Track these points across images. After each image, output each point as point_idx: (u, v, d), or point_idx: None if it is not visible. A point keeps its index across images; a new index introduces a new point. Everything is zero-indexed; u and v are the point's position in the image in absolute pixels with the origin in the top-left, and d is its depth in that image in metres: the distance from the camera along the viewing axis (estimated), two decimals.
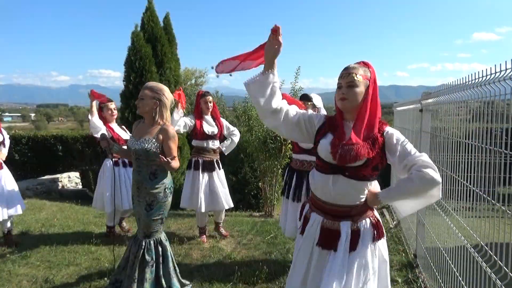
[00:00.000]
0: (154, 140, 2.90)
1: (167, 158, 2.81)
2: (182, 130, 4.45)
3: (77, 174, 9.43)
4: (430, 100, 3.22)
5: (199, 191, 4.43)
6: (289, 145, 6.32)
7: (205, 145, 4.53)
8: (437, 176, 1.77)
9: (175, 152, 2.95)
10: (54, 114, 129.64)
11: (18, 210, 4.25)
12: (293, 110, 2.04)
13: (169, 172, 3.09)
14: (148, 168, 2.95)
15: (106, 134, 3.28)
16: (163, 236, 3.08)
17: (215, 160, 4.58)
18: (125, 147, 4.60)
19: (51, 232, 4.96)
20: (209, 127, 4.55)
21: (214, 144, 4.59)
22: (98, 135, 4.44)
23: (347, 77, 1.94)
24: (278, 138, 6.21)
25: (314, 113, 2.13)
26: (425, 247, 3.58)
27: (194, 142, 4.57)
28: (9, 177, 4.24)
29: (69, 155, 9.48)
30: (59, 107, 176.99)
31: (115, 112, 4.72)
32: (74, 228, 5.17)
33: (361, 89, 1.91)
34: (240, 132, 5.16)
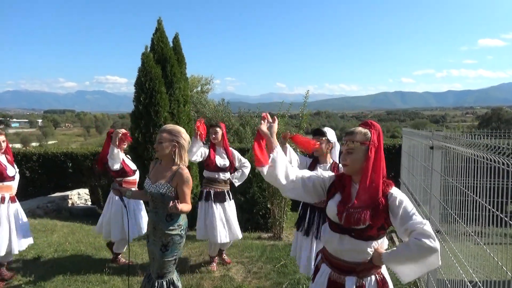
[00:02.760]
0: (169, 185, 2.97)
1: (176, 203, 2.85)
2: (199, 159, 4.54)
3: (86, 190, 9.53)
4: (440, 142, 3.25)
5: (214, 222, 4.48)
6: None
7: (216, 176, 4.60)
8: (435, 245, 1.81)
9: (188, 196, 3.01)
10: (61, 120, 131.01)
11: (23, 245, 4.29)
12: (307, 173, 2.15)
13: (184, 214, 3.15)
14: (164, 210, 3.01)
15: (136, 175, 3.36)
16: (175, 277, 3.13)
17: (226, 190, 4.64)
18: (135, 177, 4.69)
19: (63, 257, 5.03)
20: (221, 159, 4.61)
21: (225, 175, 4.65)
22: (116, 168, 4.52)
23: (346, 144, 2.05)
24: None
25: (326, 173, 2.21)
26: (436, 279, 3.59)
27: (206, 173, 4.63)
28: (21, 211, 4.30)
29: (79, 171, 9.58)
30: (66, 113, 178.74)
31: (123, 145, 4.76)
32: (86, 253, 5.23)
33: (359, 155, 2.01)
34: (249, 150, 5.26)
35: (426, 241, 1.80)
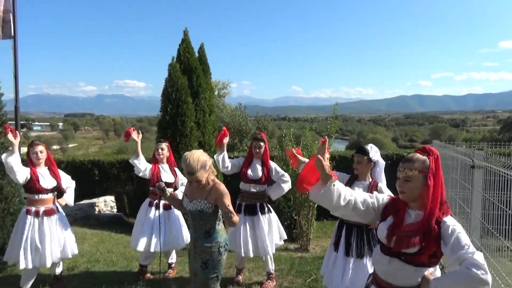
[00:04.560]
0: (205, 201, 3.00)
1: (229, 210, 2.88)
2: (235, 170, 4.58)
3: (112, 198, 9.67)
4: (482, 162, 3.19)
5: (239, 234, 4.46)
6: None
7: (248, 189, 4.59)
8: (486, 278, 1.77)
9: (231, 207, 3.01)
10: (81, 124, 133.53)
11: (68, 253, 4.35)
12: (361, 197, 2.15)
13: (223, 230, 3.17)
14: (202, 227, 3.06)
15: (163, 184, 3.41)
16: None
17: (259, 204, 4.56)
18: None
19: (96, 270, 5.11)
20: (253, 171, 4.57)
21: (257, 188, 4.57)
22: (143, 175, 4.64)
23: (403, 172, 2.04)
24: None
25: (380, 196, 2.21)
26: None
27: (240, 185, 4.65)
28: (65, 220, 4.38)
29: (105, 179, 9.76)
30: (85, 116, 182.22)
31: (161, 152, 4.83)
32: (118, 264, 5.31)
33: (417, 184, 2.00)
34: (273, 158, 5.25)
35: (478, 272, 1.77)
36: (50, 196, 4.23)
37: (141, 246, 4.58)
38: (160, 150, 4.81)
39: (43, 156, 4.20)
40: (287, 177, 4.65)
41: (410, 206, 2.08)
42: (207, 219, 3.03)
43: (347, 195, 2.10)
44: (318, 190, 2.08)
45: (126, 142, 4.98)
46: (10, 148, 3.89)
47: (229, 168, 4.60)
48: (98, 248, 6.10)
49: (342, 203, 2.08)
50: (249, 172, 4.55)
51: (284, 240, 7.43)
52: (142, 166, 4.72)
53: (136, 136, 4.76)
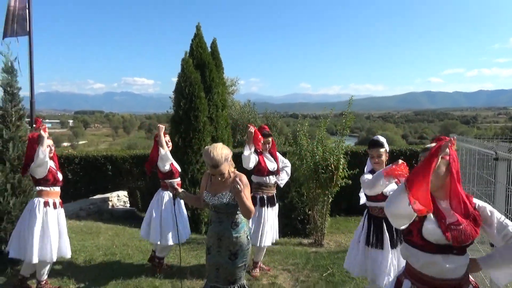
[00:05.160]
0: (230, 193, 3.00)
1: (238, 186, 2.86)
2: (251, 166, 4.59)
3: (125, 193, 9.75)
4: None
5: (267, 226, 4.55)
6: (341, 174, 6.30)
7: (267, 181, 4.66)
8: None
9: (249, 199, 3.01)
10: (90, 121, 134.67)
11: (68, 253, 4.24)
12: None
13: (246, 220, 3.17)
14: (229, 218, 3.05)
15: (175, 182, 3.42)
16: (245, 282, 3.16)
17: (274, 194, 4.74)
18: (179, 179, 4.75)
19: (113, 261, 5.15)
20: (270, 163, 4.70)
21: (274, 178, 4.74)
22: (166, 169, 4.63)
23: None
24: (330, 168, 6.19)
25: None
26: None
27: (256, 178, 4.67)
28: (64, 218, 4.36)
29: (118, 174, 9.83)
30: (95, 114, 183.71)
31: (169, 144, 4.83)
32: (134, 258, 5.34)
33: (441, 170, 1.99)
34: (285, 153, 5.40)
35: None
36: (60, 188, 4.27)
37: (167, 240, 4.62)
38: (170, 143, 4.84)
39: (54, 149, 4.25)
40: (288, 162, 5.01)
41: (437, 196, 2.04)
42: (232, 211, 3.03)
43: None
44: (395, 198, 1.97)
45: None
46: (41, 143, 3.90)
47: (252, 166, 4.61)
48: (114, 241, 6.14)
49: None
50: (269, 165, 4.67)
51: (297, 235, 7.48)
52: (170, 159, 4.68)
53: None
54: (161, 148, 4.56)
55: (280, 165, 4.86)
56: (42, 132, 3.92)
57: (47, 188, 4.11)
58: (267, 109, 31.68)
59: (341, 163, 6.22)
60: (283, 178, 4.95)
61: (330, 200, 6.55)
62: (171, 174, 4.72)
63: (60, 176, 4.22)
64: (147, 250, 5.68)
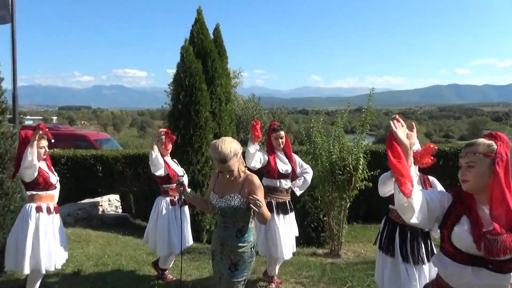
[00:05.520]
0: (239, 195, 2.97)
1: (258, 202, 2.81)
2: (258, 166, 4.57)
3: (117, 197, 9.75)
4: None
5: (278, 236, 4.46)
6: (360, 176, 6.27)
7: (278, 184, 4.59)
8: None
9: (263, 202, 2.98)
10: (76, 117, 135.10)
11: (62, 260, 4.34)
12: (427, 193, 2.06)
13: (254, 229, 3.16)
14: (234, 225, 3.04)
15: (184, 178, 3.39)
16: None
17: (288, 201, 4.63)
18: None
19: (105, 273, 5.15)
20: (283, 165, 4.61)
21: (287, 183, 4.64)
22: (159, 173, 4.65)
23: (465, 157, 1.99)
24: (348, 169, 6.16)
25: (439, 191, 2.14)
26: None
27: (266, 181, 4.62)
28: (60, 224, 4.38)
29: (109, 176, 9.83)
30: (81, 109, 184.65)
31: (169, 145, 4.85)
32: (127, 268, 5.34)
33: (482, 169, 1.94)
34: (297, 152, 5.41)
35: None
36: (56, 192, 4.30)
37: (161, 251, 4.68)
38: (169, 146, 4.83)
39: (47, 150, 4.26)
40: (309, 168, 4.86)
41: (478, 200, 2.00)
42: (240, 217, 3.01)
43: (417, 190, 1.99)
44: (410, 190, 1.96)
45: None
46: (31, 143, 3.91)
47: (258, 164, 4.59)
48: (105, 250, 6.15)
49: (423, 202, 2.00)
50: (280, 166, 4.58)
51: (311, 243, 7.45)
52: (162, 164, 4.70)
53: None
54: (151, 151, 4.58)
55: (298, 170, 4.76)
56: (38, 131, 3.94)
57: (39, 192, 4.14)
58: (274, 104, 31.64)
59: (361, 163, 6.19)
60: (300, 186, 4.81)
61: (348, 205, 6.51)
62: (168, 178, 4.73)
63: (54, 179, 4.25)
64: (142, 260, 5.69)
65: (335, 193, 6.42)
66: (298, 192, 4.86)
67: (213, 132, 7.74)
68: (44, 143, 4.20)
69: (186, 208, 4.95)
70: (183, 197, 3.26)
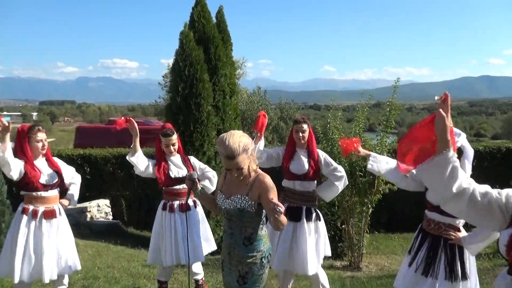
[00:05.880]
0: (247, 197, 2.95)
1: (276, 203, 2.74)
2: (274, 164, 4.59)
3: (107, 201, 9.79)
4: None
5: (277, 243, 4.40)
6: (384, 178, 6.24)
7: (291, 186, 4.53)
8: None
9: (283, 208, 2.93)
10: (59, 113, 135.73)
11: (67, 268, 4.33)
12: (481, 188, 2.00)
13: (267, 237, 3.13)
14: (241, 231, 3.02)
15: (196, 173, 3.36)
16: None
17: (305, 207, 4.49)
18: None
19: (95, 286, 5.16)
20: (296, 163, 4.50)
21: (304, 186, 4.51)
22: (146, 175, 4.64)
23: None
24: None
25: (505, 192, 2.06)
26: None
27: (284, 182, 4.59)
28: (67, 226, 4.39)
29: (99, 178, 9.88)
30: (65, 104, 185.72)
31: (173, 149, 4.68)
32: (122, 282, 5.35)
33: None
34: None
35: None
36: (53, 193, 4.25)
37: (153, 260, 4.67)
38: (171, 147, 4.64)
39: (47, 145, 4.25)
40: (341, 171, 4.52)
41: None
42: (248, 221, 2.99)
43: (464, 181, 1.96)
44: (430, 159, 1.99)
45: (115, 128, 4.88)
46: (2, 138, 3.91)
47: (264, 159, 4.56)
48: (95, 262, 6.17)
49: (454, 190, 1.94)
50: (292, 165, 4.49)
51: (328, 256, 7.42)
52: (142, 165, 4.67)
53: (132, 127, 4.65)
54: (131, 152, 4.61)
55: (324, 170, 4.54)
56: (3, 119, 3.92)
57: (29, 193, 4.15)
58: (282, 99, 31.58)
59: None
60: (323, 189, 4.58)
61: (370, 211, 6.50)
62: (165, 177, 4.71)
63: (45, 179, 4.17)
64: (137, 273, 5.71)
65: (355, 197, 6.41)
66: (326, 198, 4.69)
67: (216, 128, 7.74)
68: (41, 136, 4.18)
69: (197, 210, 4.79)
70: (193, 192, 3.27)
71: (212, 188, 4.68)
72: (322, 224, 4.60)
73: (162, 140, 4.62)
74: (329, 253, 4.71)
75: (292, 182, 4.51)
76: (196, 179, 3.25)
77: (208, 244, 4.83)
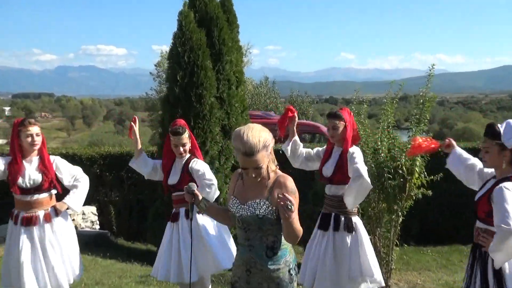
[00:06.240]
0: (267, 202, 2.93)
1: (289, 203, 2.67)
2: (304, 166, 4.76)
3: (93, 209, 9.82)
4: None
5: (309, 256, 4.51)
6: (416, 181, 6.23)
7: (326, 191, 4.63)
8: None
9: (296, 207, 2.90)
10: (35, 108, 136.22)
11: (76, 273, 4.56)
12: None
13: (290, 245, 3.12)
14: (262, 240, 3.00)
15: (195, 185, 3.37)
16: None
17: (333, 214, 4.50)
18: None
19: None
20: (328, 165, 4.57)
21: (333, 190, 4.57)
22: (159, 178, 4.70)
23: None
24: (400, 172, 6.12)
25: None
26: None
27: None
28: (66, 229, 4.54)
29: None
30: (42, 97, 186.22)
31: (182, 150, 4.67)
32: None
33: None
34: None
35: None
36: (38, 197, 4.32)
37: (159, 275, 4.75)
38: (180, 148, 4.63)
39: (39, 140, 4.27)
40: (357, 170, 4.34)
41: None
42: (269, 229, 2.96)
43: None
44: None
45: (131, 138, 4.95)
46: None
47: (301, 160, 4.68)
48: (82, 278, 6.16)
49: None
50: (324, 166, 4.59)
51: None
52: (146, 169, 4.76)
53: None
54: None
55: (352, 173, 4.41)
56: None
57: (15, 196, 4.30)
58: (293, 91, 31.49)
59: (417, 164, 6.17)
60: (345, 194, 4.42)
61: (400, 220, 6.48)
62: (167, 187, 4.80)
63: (23, 181, 4.24)
64: None
65: (382, 204, 6.39)
66: (350, 205, 4.44)
67: (220, 123, 7.74)
68: (33, 130, 4.22)
69: (201, 221, 4.76)
70: (196, 209, 3.27)
71: (355, 197, 4.42)
72: (362, 236, 4.55)
73: (171, 139, 4.64)
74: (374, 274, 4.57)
75: (326, 186, 4.62)
76: (196, 191, 3.23)
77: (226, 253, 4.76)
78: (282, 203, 2.67)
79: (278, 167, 3.07)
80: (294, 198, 2.86)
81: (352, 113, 4.73)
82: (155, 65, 31.86)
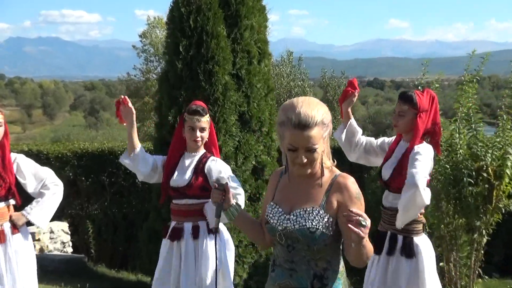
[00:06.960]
0: (322, 211, 2.90)
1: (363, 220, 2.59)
2: (363, 159, 4.92)
3: (65, 225, 9.85)
4: None
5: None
6: (506, 188, 6.19)
7: (384, 199, 4.69)
8: None
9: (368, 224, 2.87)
10: None
11: None
12: None
13: (345, 275, 3.10)
14: (309, 265, 2.96)
15: (225, 179, 3.34)
16: None
17: (389, 233, 4.58)
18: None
19: None
20: (389, 164, 4.61)
21: (389, 199, 4.62)
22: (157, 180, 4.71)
23: None
24: (484, 175, 6.08)
25: None
26: None
27: None
28: (27, 249, 4.54)
29: None
30: None
31: (199, 136, 4.67)
32: None
33: None
34: None
35: None
36: None
37: None
38: (197, 133, 4.61)
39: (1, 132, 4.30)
40: (415, 175, 4.23)
41: None
42: (322, 249, 2.90)
43: None
44: None
45: (122, 123, 4.86)
46: None
47: (360, 149, 4.76)
48: None
49: None
50: (386, 164, 4.62)
51: None
52: (145, 167, 4.74)
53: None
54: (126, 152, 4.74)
55: (407, 179, 4.33)
56: None
57: None
58: (325, 70, 31.31)
59: (509, 165, 6.10)
60: (405, 204, 4.31)
61: (485, 241, 6.45)
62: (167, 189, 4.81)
63: None
64: None
65: (460, 219, 6.36)
66: (400, 224, 4.38)
67: (237, 110, 7.69)
68: None
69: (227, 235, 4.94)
70: (219, 218, 3.22)
71: (406, 208, 4.37)
72: (424, 259, 4.47)
73: (187, 119, 4.62)
74: None
75: (384, 193, 4.70)
76: (228, 186, 3.18)
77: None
78: (352, 222, 2.56)
79: (335, 164, 3.01)
80: (360, 205, 2.83)
81: (435, 99, 4.58)
82: (140, 36, 31.98)
